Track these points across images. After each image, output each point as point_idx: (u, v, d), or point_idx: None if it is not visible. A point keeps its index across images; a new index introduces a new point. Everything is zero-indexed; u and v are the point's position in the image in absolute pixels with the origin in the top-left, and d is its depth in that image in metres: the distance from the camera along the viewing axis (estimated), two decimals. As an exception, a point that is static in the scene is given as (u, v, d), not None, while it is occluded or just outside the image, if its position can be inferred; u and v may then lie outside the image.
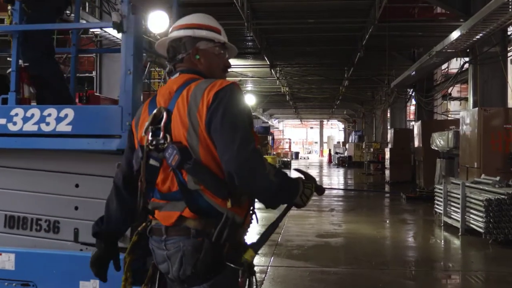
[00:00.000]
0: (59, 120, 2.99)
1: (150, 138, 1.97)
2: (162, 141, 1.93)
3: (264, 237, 2.03)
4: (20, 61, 3.21)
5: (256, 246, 1.97)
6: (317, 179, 2.21)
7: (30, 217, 3.12)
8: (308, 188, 2.06)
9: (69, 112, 2.99)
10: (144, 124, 2.00)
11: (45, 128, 3.00)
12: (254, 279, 2.02)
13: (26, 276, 3.05)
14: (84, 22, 9.48)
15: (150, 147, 1.96)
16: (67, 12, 4.27)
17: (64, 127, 2.98)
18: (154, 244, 2.03)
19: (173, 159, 1.88)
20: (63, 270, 3.03)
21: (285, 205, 2.10)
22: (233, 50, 2.25)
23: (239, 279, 1.89)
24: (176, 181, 1.93)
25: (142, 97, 3.09)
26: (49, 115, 3.00)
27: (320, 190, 2.17)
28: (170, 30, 2.20)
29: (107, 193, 3.04)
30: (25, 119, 3.01)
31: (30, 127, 3.00)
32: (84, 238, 3.06)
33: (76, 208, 3.07)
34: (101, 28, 10.33)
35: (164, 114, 1.96)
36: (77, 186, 3.07)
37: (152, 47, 3.30)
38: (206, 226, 1.90)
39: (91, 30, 11.59)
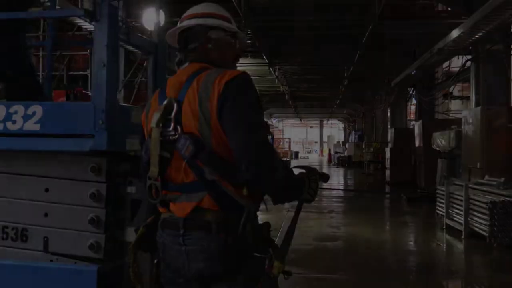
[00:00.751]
0: (26, 118, 2.72)
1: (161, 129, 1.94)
2: (172, 132, 1.91)
3: (286, 243, 2.02)
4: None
5: (281, 256, 1.93)
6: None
7: (-4, 225, 2.85)
8: (313, 181, 2.08)
9: (37, 109, 2.71)
10: (153, 115, 1.96)
11: (11, 126, 2.73)
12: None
13: (-9, 289, 2.79)
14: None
15: (161, 138, 1.93)
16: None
17: (32, 126, 2.71)
18: (167, 238, 1.96)
19: (187, 149, 1.86)
20: (31, 282, 2.76)
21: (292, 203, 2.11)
22: (244, 39, 2.22)
23: (266, 266, 1.88)
24: (193, 171, 1.89)
25: (118, 93, 2.83)
26: (16, 112, 2.74)
27: (325, 177, 2.21)
28: (180, 20, 2.13)
29: (79, 198, 2.80)
30: (-10, 118, 2.74)
31: (-5, 126, 2.74)
32: (55, 247, 2.78)
33: (46, 214, 2.79)
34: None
35: (175, 105, 1.92)
36: (46, 190, 2.79)
37: (131, 38, 3.02)
38: (227, 220, 1.87)
39: (84, 26, 11.33)
